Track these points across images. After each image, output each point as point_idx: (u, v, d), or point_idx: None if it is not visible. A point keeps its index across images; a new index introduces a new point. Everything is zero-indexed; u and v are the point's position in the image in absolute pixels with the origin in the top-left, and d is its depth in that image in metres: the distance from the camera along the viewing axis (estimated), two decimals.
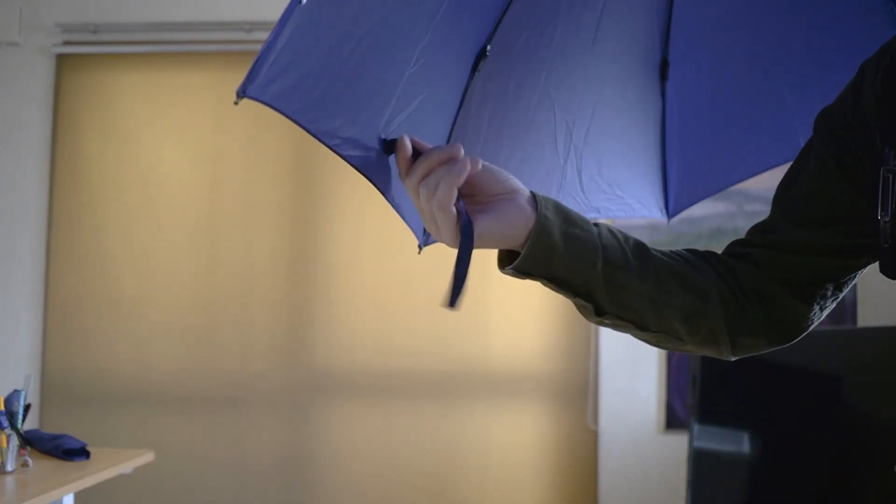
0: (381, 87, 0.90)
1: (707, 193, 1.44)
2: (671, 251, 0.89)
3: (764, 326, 0.88)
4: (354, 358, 3.16)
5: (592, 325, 3.12)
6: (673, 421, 3.06)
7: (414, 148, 0.80)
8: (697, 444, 2.28)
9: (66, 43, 3.29)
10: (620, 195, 1.36)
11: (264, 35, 3.20)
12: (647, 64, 1.32)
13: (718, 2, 1.31)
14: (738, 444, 2.32)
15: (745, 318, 0.87)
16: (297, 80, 0.87)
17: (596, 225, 0.83)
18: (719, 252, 0.93)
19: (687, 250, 0.91)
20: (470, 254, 0.80)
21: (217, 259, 3.22)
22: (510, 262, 0.83)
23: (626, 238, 0.85)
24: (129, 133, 3.27)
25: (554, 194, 1.18)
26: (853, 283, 0.90)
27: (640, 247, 0.85)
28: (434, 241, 1.11)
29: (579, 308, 0.86)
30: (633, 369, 3.07)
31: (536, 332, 3.13)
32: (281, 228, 3.23)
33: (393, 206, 0.92)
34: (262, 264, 3.21)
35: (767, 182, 3.61)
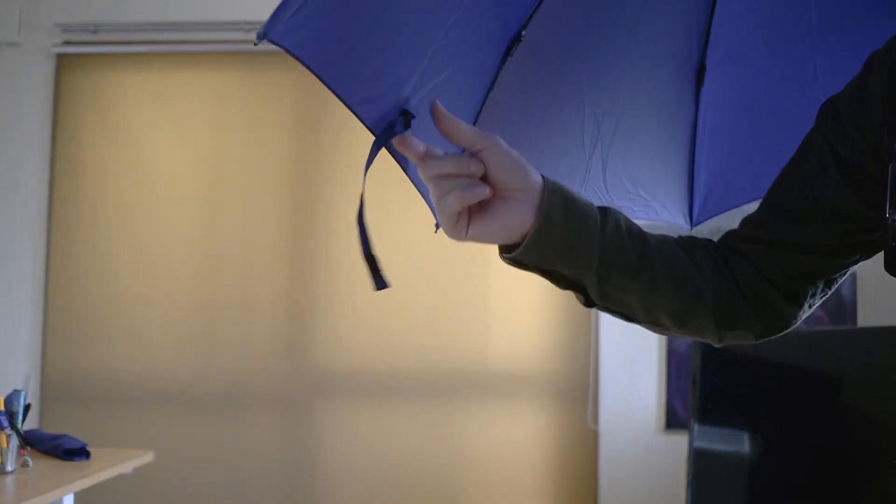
0: (408, 54, 0.89)
1: (734, 204, 1.43)
2: (673, 240, 0.89)
3: (753, 321, 0.89)
4: (354, 358, 3.16)
5: (592, 326, 3.12)
6: (673, 421, 3.06)
7: (439, 121, 0.77)
8: (697, 444, 2.28)
9: (66, 43, 3.29)
10: (644, 197, 1.35)
11: None
12: (683, 67, 1.31)
13: (760, 10, 1.29)
14: (738, 444, 2.32)
15: (736, 313, 0.88)
16: (322, 32, 0.84)
17: (603, 213, 0.82)
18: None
19: (689, 238, 0.91)
20: (365, 234, 0.80)
21: (217, 259, 3.22)
22: (507, 248, 0.82)
23: (630, 229, 0.84)
24: (129, 133, 3.27)
25: (577, 188, 1.16)
26: (843, 280, 0.91)
27: (640, 240, 0.84)
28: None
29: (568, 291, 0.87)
30: (633, 369, 3.07)
31: (536, 332, 3.13)
32: (281, 228, 3.23)
33: (410, 180, 0.90)
34: (263, 264, 3.21)
35: None
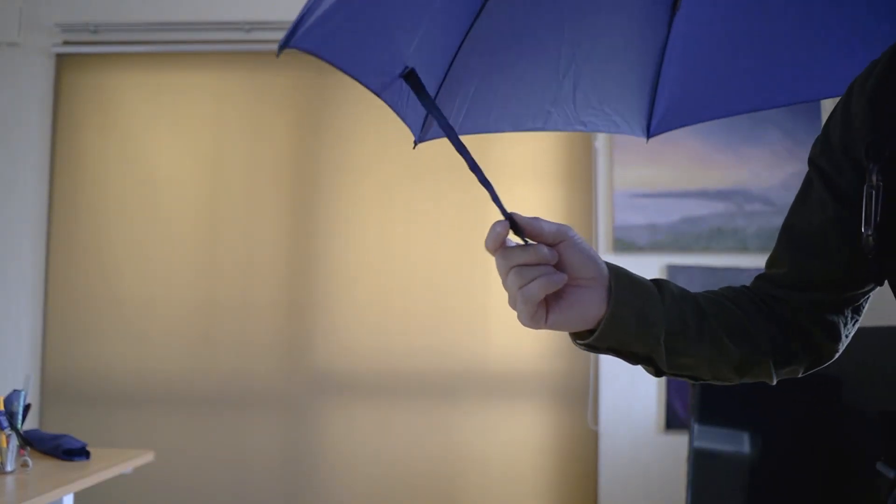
0: (407, 22, 0.94)
1: (694, 121, 1.52)
2: (721, 294, 0.92)
3: (803, 357, 0.92)
4: (354, 358, 3.16)
5: None
6: (673, 421, 3.06)
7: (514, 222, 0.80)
8: (697, 444, 2.28)
9: (66, 43, 3.29)
10: (608, 112, 1.44)
11: (264, 35, 3.20)
12: None
13: None
14: (738, 444, 2.32)
15: (788, 352, 0.91)
16: (335, 33, 0.92)
17: (657, 286, 0.85)
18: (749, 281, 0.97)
19: (730, 289, 0.94)
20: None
21: (217, 259, 3.22)
22: (580, 334, 0.85)
23: (683, 295, 0.87)
24: (129, 133, 3.27)
25: (547, 106, 1.25)
26: (867, 302, 0.95)
27: (695, 303, 0.87)
28: (431, 139, 1.17)
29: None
30: (633, 369, 3.07)
31: (536, 332, 3.13)
32: (281, 228, 3.23)
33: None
34: (262, 264, 3.21)
35: (767, 182, 3.60)
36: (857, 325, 0.95)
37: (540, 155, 3.18)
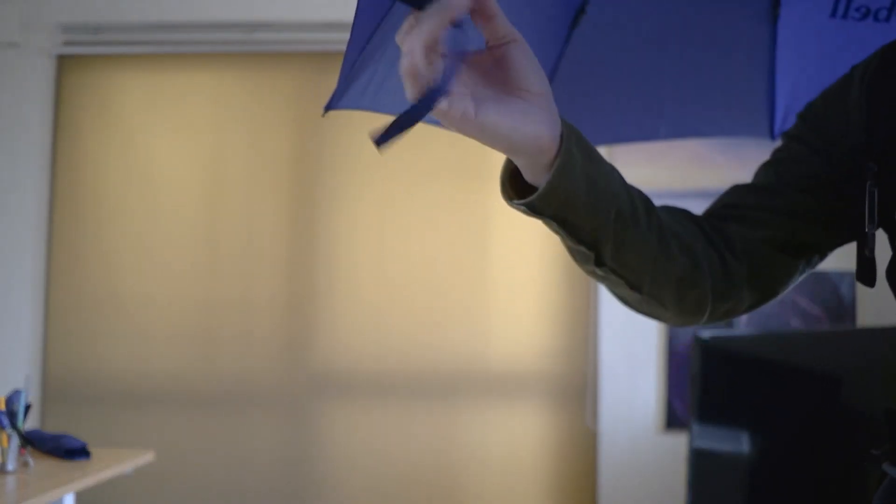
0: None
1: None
2: (661, 205, 0.85)
3: (748, 291, 0.87)
4: (354, 358, 3.16)
5: (592, 325, 3.12)
6: (673, 421, 3.06)
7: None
8: (697, 444, 2.28)
9: (67, 43, 3.29)
10: (719, 117, 1.49)
11: (264, 35, 3.21)
12: (756, 5, 1.41)
13: None
14: (738, 444, 2.32)
15: (729, 283, 0.85)
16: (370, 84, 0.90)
17: (611, 165, 0.76)
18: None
19: (675, 208, 0.88)
20: (420, 115, 0.60)
21: (217, 259, 3.23)
22: (517, 193, 0.73)
23: (632, 187, 0.79)
24: (130, 133, 3.27)
25: (653, 119, 1.28)
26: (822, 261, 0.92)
27: (645, 199, 0.79)
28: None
29: (575, 254, 0.78)
30: (633, 369, 3.08)
31: (536, 332, 3.14)
32: (281, 228, 3.23)
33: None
34: (263, 264, 3.22)
35: None
36: (807, 274, 0.91)
37: None
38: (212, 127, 3.27)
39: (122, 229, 3.24)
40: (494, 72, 0.65)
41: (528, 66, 0.65)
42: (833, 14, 1.33)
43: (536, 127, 0.66)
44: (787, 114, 1.53)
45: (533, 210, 0.71)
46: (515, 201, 0.72)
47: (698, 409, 2.28)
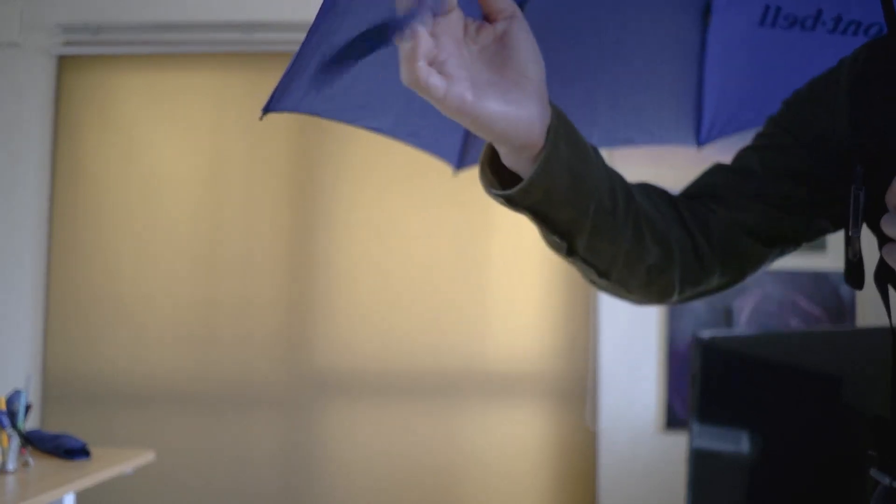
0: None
1: (741, 128, 1.55)
2: (640, 184, 0.84)
3: (717, 275, 0.87)
4: (354, 357, 3.16)
5: (592, 325, 3.12)
6: (673, 421, 3.06)
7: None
8: (697, 444, 2.28)
9: (67, 43, 3.29)
10: (647, 126, 1.48)
11: (264, 35, 3.21)
12: (688, 8, 1.40)
13: None
14: (738, 444, 2.32)
15: (700, 269, 0.85)
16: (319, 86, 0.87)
17: (595, 153, 0.73)
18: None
19: (654, 188, 0.86)
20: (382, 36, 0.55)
21: (217, 258, 3.23)
22: (496, 176, 0.71)
23: (613, 173, 0.76)
24: (130, 133, 3.27)
25: (587, 127, 1.23)
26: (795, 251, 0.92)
27: (624, 185, 0.77)
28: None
29: (548, 241, 0.76)
30: (633, 369, 3.08)
31: (536, 332, 3.14)
32: (281, 228, 3.23)
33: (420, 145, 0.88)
34: (263, 264, 3.22)
35: None
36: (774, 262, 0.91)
37: None
38: (212, 127, 3.27)
39: (122, 229, 3.24)
40: (492, 51, 0.62)
41: (527, 48, 0.62)
42: (762, 23, 1.34)
43: (530, 118, 0.63)
44: (713, 122, 1.52)
45: (510, 202, 0.69)
46: (493, 191, 0.70)
47: (698, 409, 2.28)
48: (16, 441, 2.05)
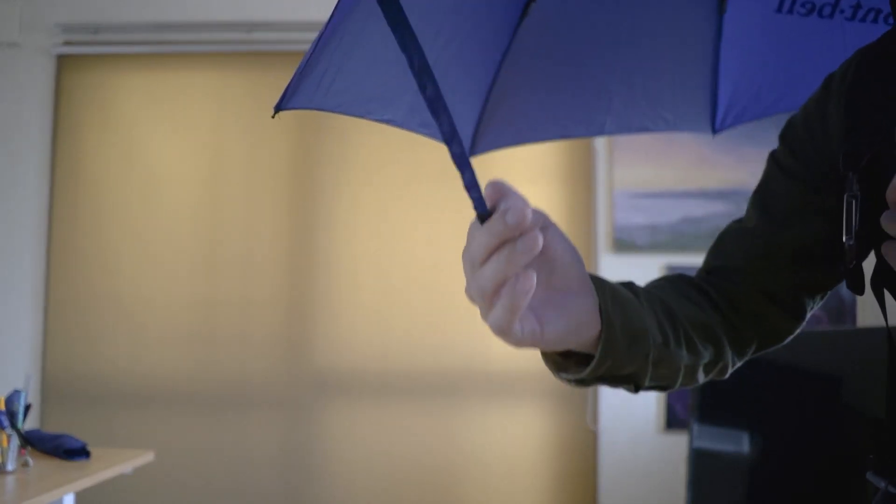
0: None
1: (760, 115, 1.54)
2: (671, 289, 0.85)
3: (756, 342, 0.89)
4: (355, 357, 3.16)
5: None
6: (673, 421, 3.06)
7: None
8: (697, 444, 2.28)
9: (67, 43, 3.29)
10: (662, 113, 1.47)
11: (264, 35, 3.21)
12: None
13: None
14: (738, 444, 2.32)
15: (742, 342, 0.87)
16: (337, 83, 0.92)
17: (631, 290, 0.75)
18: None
19: (674, 279, 0.88)
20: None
21: (217, 258, 3.23)
22: (558, 356, 0.72)
23: (650, 297, 0.78)
24: (130, 133, 3.27)
25: (601, 115, 1.26)
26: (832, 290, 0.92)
27: (665, 307, 0.79)
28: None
29: (613, 386, 0.78)
30: None
31: None
32: (281, 228, 3.23)
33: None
34: (263, 264, 3.22)
35: None
36: (818, 307, 0.91)
37: (540, 155, 3.18)
38: (211, 127, 3.27)
39: (121, 229, 3.24)
40: (536, 266, 0.59)
41: (566, 252, 0.61)
42: (779, 9, 1.33)
43: (589, 322, 0.65)
44: (728, 109, 1.53)
45: (580, 383, 0.72)
46: (564, 376, 0.72)
47: (698, 409, 2.28)
48: (15, 441, 2.05)
